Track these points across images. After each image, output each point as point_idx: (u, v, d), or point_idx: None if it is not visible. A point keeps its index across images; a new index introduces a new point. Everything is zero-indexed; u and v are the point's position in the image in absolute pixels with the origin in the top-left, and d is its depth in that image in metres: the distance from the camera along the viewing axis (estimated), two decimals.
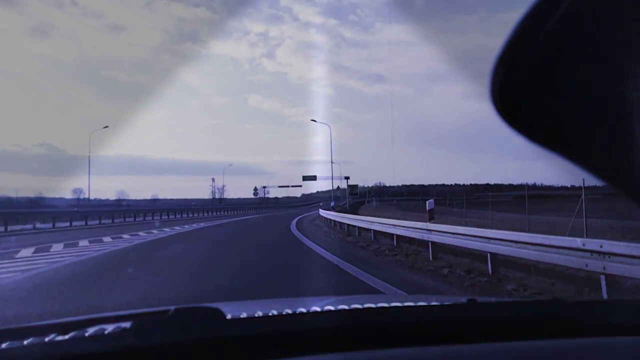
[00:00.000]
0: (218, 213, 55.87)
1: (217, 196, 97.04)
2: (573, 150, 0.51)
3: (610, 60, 0.43)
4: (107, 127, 45.98)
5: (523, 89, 0.48)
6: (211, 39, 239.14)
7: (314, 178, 61.32)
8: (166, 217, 40.44)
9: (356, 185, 62.03)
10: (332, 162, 45.07)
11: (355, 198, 64.05)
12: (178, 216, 43.21)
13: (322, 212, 31.54)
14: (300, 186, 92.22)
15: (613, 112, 0.46)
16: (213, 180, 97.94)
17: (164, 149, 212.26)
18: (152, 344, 1.04)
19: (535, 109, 0.49)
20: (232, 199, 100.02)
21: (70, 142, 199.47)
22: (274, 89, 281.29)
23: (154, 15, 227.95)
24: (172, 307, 1.17)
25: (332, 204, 43.97)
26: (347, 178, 56.49)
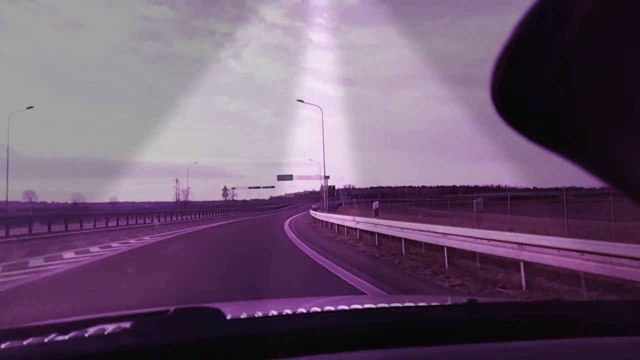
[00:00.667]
0: (178, 218, 44.99)
1: (181, 199, 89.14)
2: (574, 150, 0.51)
3: (611, 59, 0.43)
4: (31, 107, 39.13)
5: (523, 89, 0.48)
6: (175, 38, 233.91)
7: (289, 178, 58.34)
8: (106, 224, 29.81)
9: (333, 186, 60.86)
10: (323, 151, 40.08)
11: (332, 199, 63.73)
12: (131, 222, 33.84)
13: (321, 216, 28.60)
14: (273, 187, 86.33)
15: (616, 110, 0.46)
16: (177, 181, 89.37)
17: (127, 151, 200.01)
18: (152, 344, 1.03)
19: (536, 108, 0.49)
20: (199, 201, 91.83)
21: (25, 144, 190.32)
22: (240, 90, 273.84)
23: (114, 13, 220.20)
24: (172, 308, 1.17)
25: (314, 205, 43.37)
26: (327, 177, 51.83)
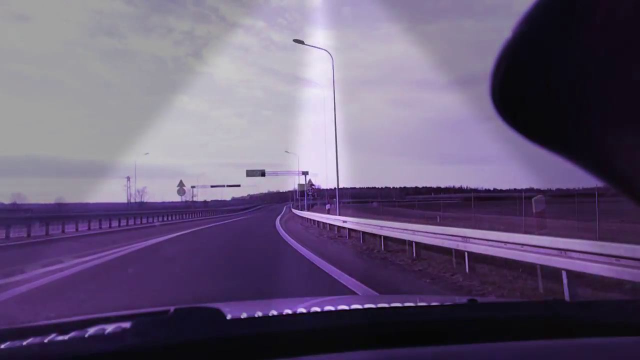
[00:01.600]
0: (131, 222, 32.24)
1: (135, 199, 72.33)
2: (574, 150, 0.51)
3: (611, 58, 0.43)
4: None
5: (524, 89, 0.48)
6: (131, 34, 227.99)
7: (260, 174, 53.11)
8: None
9: (304, 185, 60.28)
10: (335, 123, 24.94)
11: (303, 199, 62.65)
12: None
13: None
14: (239, 185, 79.56)
15: (616, 110, 0.46)
16: (128, 179, 71.41)
17: (80, 149, 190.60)
18: (152, 344, 1.03)
19: (536, 108, 0.49)
20: (156, 202, 77.66)
21: None
22: (200, 90, 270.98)
23: (66, 6, 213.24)
24: (172, 308, 1.17)
25: (289, 204, 42.69)
26: (305, 173, 49.73)
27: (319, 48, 28.84)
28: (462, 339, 1.16)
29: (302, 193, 54.90)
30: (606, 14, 0.41)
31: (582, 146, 0.51)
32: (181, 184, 54.97)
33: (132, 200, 71.76)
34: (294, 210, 36.90)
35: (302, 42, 27.79)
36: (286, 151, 50.63)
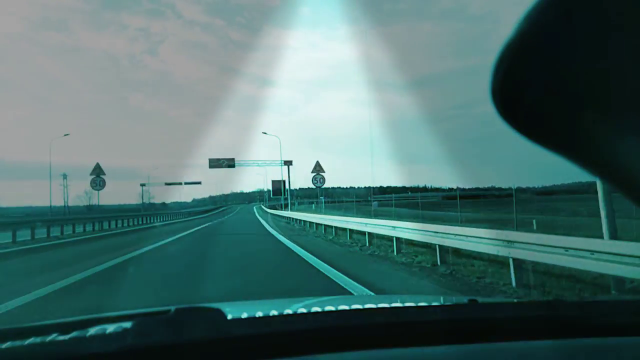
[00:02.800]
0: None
1: (83, 203, 60.55)
2: (574, 150, 0.52)
3: (611, 57, 0.43)
4: None
5: (524, 89, 0.48)
6: (82, 30, 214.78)
7: (227, 164, 43.17)
8: None
9: (282, 181, 54.48)
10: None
11: (276, 199, 58.07)
12: None
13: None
14: (199, 183, 69.04)
15: (616, 110, 0.46)
16: (64, 177, 57.93)
17: (26, 151, 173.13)
18: (153, 344, 1.03)
19: (536, 108, 0.49)
20: (111, 205, 60.55)
21: None
22: (158, 89, 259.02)
23: None
24: (173, 307, 1.17)
25: (257, 205, 40.53)
26: (288, 163, 42.99)
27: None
28: (462, 339, 1.16)
29: (276, 191, 49.94)
30: (605, 13, 0.41)
31: (582, 146, 0.51)
32: (97, 170, 37.12)
33: (82, 204, 61.00)
34: (271, 211, 33.98)
35: (265, 133, 27.77)
36: (264, 132, 44.27)
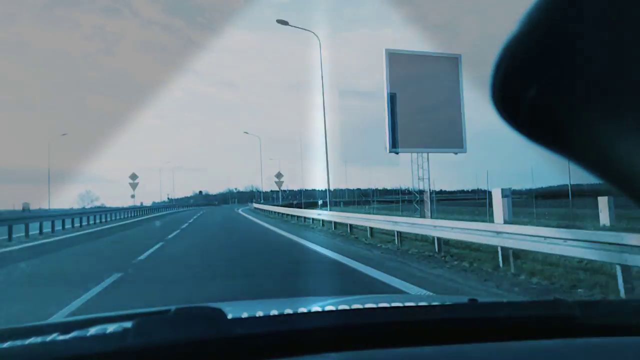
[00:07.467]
0: None
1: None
2: (574, 151, 0.51)
3: (612, 57, 0.43)
4: None
5: (523, 89, 0.48)
6: (30, 26, 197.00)
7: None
8: None
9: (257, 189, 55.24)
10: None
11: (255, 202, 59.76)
12: None
13: None
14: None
15: (616, 110, 0.46)
16: None
17: None
18: (153, 344, 1.03)
19: (536, 109, 0.49)
20: (55, 209, 45.92)
21: None
22: (116, 89, 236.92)
23: None
24: (174, 307, 1.17)
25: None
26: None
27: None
28: (462, 339, 1.16)
29: (252, 195, 51.76)
30: (605, 13, 0.42)
31: (582, 146, 0.51)
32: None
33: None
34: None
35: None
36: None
